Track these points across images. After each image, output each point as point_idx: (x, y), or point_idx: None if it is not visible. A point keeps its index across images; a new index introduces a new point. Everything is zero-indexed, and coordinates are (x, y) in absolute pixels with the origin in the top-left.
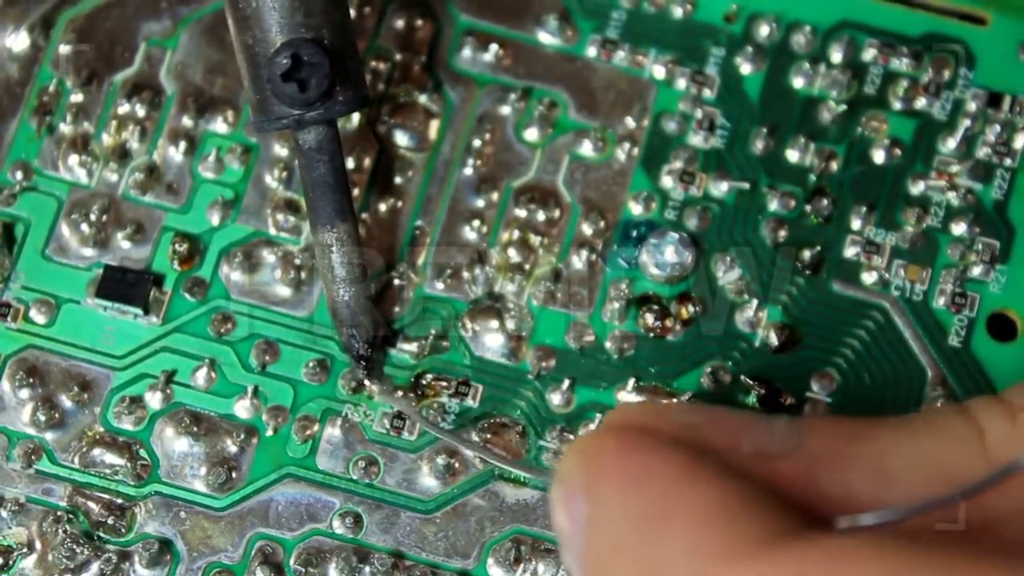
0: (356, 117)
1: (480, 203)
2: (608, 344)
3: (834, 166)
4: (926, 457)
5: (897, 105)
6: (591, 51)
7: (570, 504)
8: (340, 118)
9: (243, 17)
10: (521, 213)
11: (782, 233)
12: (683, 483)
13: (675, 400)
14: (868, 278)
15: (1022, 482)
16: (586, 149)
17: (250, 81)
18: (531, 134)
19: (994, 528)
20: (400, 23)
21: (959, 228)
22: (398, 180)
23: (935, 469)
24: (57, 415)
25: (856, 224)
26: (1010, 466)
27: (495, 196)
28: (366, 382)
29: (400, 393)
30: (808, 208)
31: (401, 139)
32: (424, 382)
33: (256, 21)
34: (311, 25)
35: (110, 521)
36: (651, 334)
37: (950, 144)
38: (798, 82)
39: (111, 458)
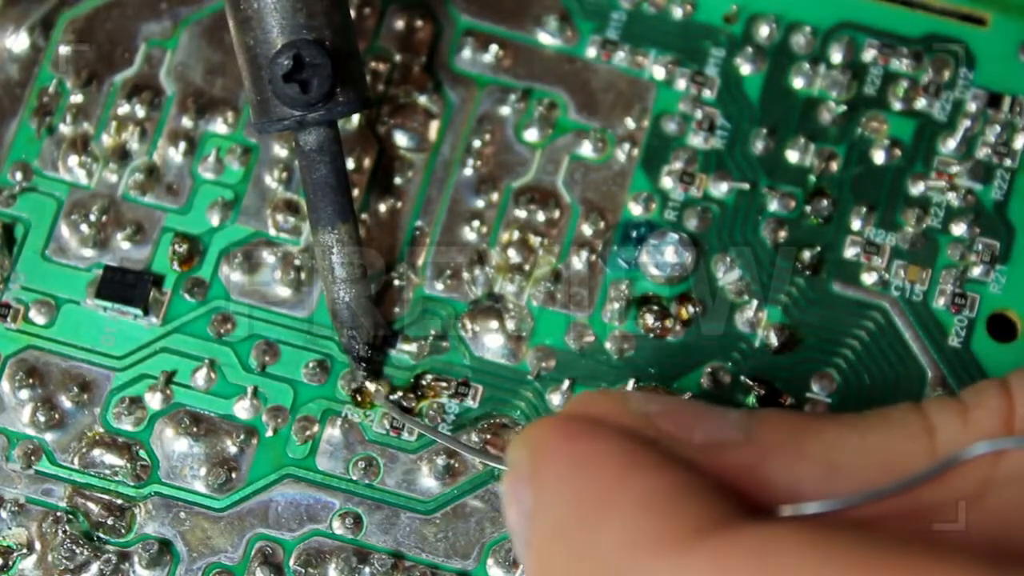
0: (356, 118)
1: (480, 204)
2: (608, 345)
3: (834, 167)
4: (875, 452)
5: (897, 106)
6: (591, 52)
7: (517, 492)
8: (341, 119)
9: (244, 18)
10: (521, 214)
11: (782, 234)
12: (624, 471)
13: (633, 389)
14: (868, 278)
15: (960, 475)
16: (586, 150)
17: (251, 82)
18: (531, 135)
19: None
20: (400, 24)
21: (959, 228)
22: (398, 181)
23: (883, 464)
24: (57, 416)
25: (856, 225)
26: (949, 460)
27: (495, 197)
28: (368, 384)
29: (394, 397)
30: (808, 209)
31: (401, 140)
32: (424, 383)
33: (257, 22)
34: (313, 26)
35: (110, 522)
36: (651, 335)
37: (950, 145)
38: (798, 83)
39: (111, 459)
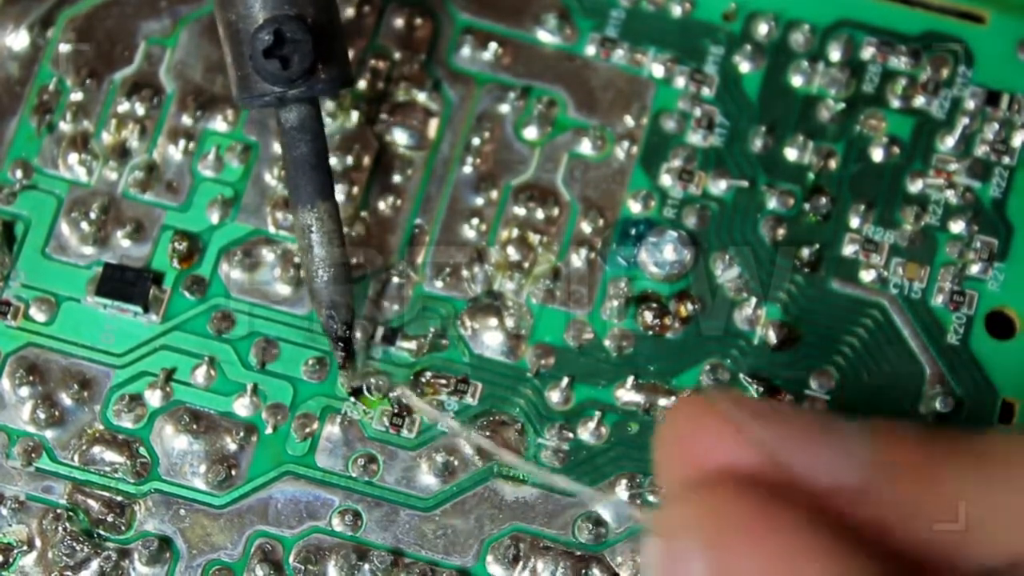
0: (355, 115)
1: (479, 202)
2: (607, 342)
3: (833, 164)
4: (1011, 510)
5: (896, 103)
6: (590, 50)
7: (680, 563)
8: (324, 98)
9: None
10: (520, 211)
11: (781, 231)
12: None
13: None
14: (867, 276)
15: None
16: (585, 147)
17: (232, 58)
18: (530, 133)
19: None
20: (399, 22)
21: (957, 226)
22: (397, 179)
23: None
24: (57, 413)
25: (855, 222)
26: None
27: (494, 195)
28: (356, 383)
29: (394, 394)
30: (807, 206)
31: (400, 138)
32: (423, 380)
33: None
34: (295, 2)
35: (110, 519)
36: (650, 332)
37: (948, 142)
38: (797, 80)
39: (111, 456)
